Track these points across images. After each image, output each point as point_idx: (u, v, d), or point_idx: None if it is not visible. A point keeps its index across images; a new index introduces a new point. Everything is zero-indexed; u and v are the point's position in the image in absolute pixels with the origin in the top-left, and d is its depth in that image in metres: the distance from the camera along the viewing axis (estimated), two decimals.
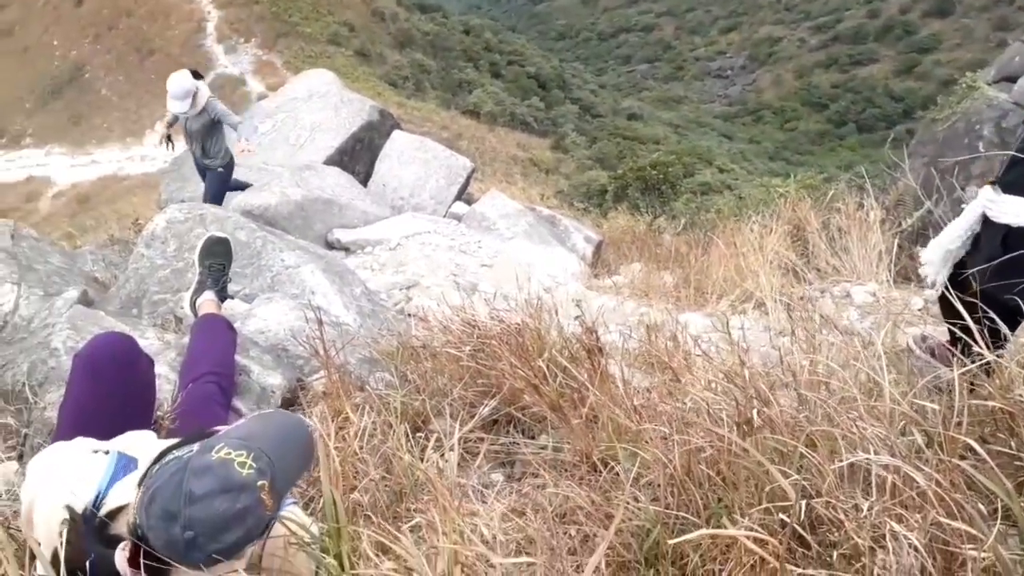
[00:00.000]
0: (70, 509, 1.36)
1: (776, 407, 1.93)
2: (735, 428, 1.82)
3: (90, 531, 1.34)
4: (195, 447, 1.34)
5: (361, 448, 2.10)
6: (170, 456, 1.34)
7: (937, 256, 2.79)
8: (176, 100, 6.50)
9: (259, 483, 1.29)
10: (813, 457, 1.76)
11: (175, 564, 1.28)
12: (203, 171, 7.00)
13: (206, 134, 6.73)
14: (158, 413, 2.44)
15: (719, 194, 15.49)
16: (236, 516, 1.27)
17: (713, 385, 2.24)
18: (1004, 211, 2.48)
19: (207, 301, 2.65)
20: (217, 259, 2.82)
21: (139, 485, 1.35)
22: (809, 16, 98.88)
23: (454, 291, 5.43)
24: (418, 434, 2.34)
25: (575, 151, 41.79)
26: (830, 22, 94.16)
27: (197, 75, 6.86)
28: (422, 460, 2.02)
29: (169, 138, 7.21)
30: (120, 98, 44.62)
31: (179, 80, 6.56)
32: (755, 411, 1.84)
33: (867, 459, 1.72)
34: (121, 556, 1.30)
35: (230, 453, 1.30)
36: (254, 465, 1.30)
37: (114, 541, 1.33)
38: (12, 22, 52.58)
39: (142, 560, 1.30)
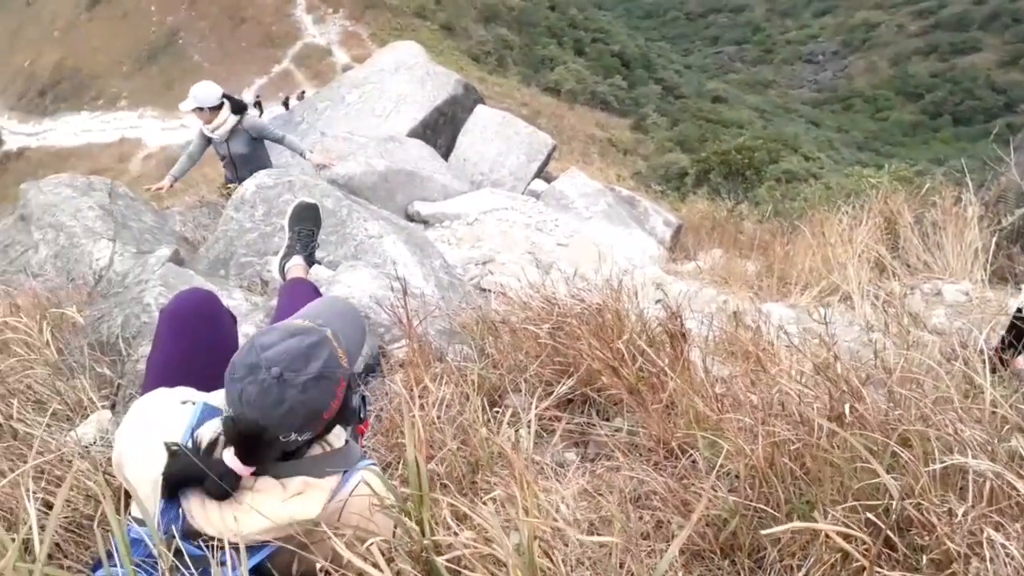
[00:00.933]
0: (168, 443, 1.43)
1: (868, 403, 1.86)
2: (824, 422, 1.76)
3: (191, 454, 1.41)
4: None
5: (439, 418, 2.12)
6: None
7: None
8: (195, 98, 5.65)
9: (322, 328, 1.47)
10: (906, 457, 1.69)
11: (275, 433, 1.38)
12: None
13: (250, 157, 5.81)
14: None
15: (804, 182, 15.01)
16: (311, 348, 1.41)
17: (800, 377, 2.18)
18: None
19: (295, 266, 2.71)
20: (306, 224, 2.87)
21: None
22: (910, 1, 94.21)
23: (531, 268, 5.43)
24: (494, 408, 2.35)
25: (655, 132, 41.12)
26: (932, 7, 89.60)
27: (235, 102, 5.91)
28: (498, 434, 2.03)
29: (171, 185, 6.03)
30: (211, 64, 46.02)
31: (203, 85, 5.82)
32: (847, 406, 1.77)
33: (964, 462, 1.64)
34: (229, 455, 1.39)
35: (287, 322, 1.48)
36: (312, 323, 1.49)
37: (214, 461, 1.41)
38: None
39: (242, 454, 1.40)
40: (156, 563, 1.32)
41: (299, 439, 1.42)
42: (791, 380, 2.05)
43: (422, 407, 2.14)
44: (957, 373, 2.02)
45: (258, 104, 34.55)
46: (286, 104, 31.02)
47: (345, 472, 1.48)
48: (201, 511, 1.40)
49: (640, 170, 24.78)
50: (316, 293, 2.49)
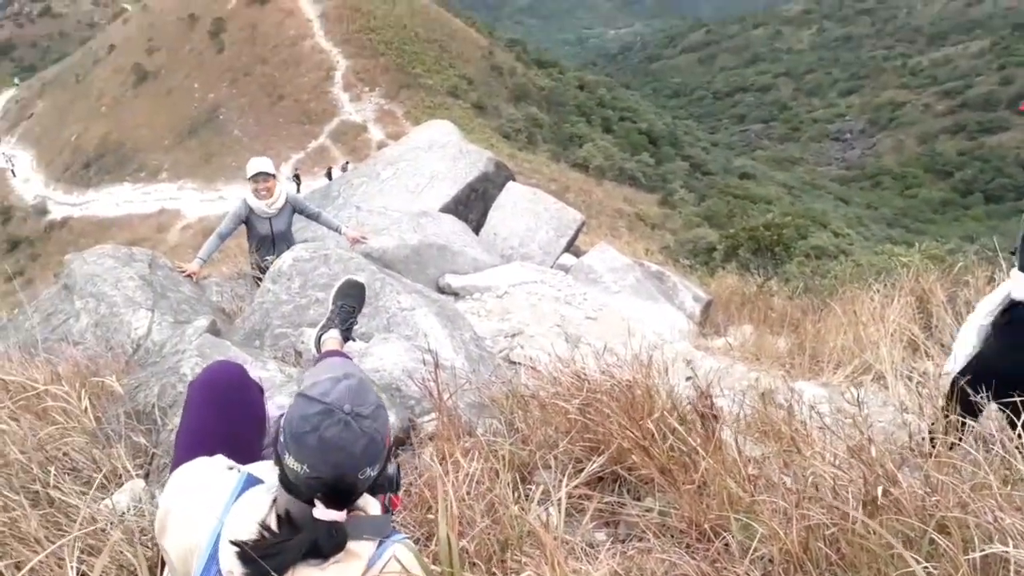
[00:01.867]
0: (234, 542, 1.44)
1: (904, 487, 1.83)
2: (860, 506, 1.73)
3: (280, 538, 1.44)
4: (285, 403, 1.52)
5: (468, 494, 2.12)
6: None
7: (970, 333, 2.92)
8: (266, 165, 5.62)
9: (350, 366, 1.64)
10: (944, 544, 1.66)
11: (361, 468, 1.44)
12: None
13: (288, 235, 5.81)
14: (269, 443, 2.55)
15: (834, 259, 14.95)
16: (361, 383, 1.51)
17: (834, 459, 2.15)
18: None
19: (332, 339, 2.76)
20: (349, 301, 2.94)
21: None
22: (936, 81, 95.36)
23: (559, 342, 5.44)
24: (524, 484, 2.34)
25: (683, 207, 41.41)
26: (959, 87, 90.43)
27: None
28: (528, 512, 2.02)
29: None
30: (250, 139, 47.65)
31: (262, 159, 5.74)
32: (880, 489, 1.75)
33: (1005, 551, 1.60)
34: (322, 510, 1.42)
35: (327, 375, 1.54)
36: (342, 371, 1.58)
37: (312, 523, 1.44)
38: (159, 66, 57.37)
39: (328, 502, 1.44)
40: None
41: (372, 475, 1.47)
42: (825, 463, 2.02)
43: (452, 482, 2.14)
44: (995, 458, 1.99)
45: (296, 178, 35.58)
46: (329, 175, 31.93)
47: (380, 543, 1.49)
48: None
49: (668, 244, 24.90)
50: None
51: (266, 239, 5.72)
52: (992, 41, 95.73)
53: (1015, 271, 2.76)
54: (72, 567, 1.47)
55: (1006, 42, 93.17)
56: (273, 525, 1.46)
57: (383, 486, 1.61)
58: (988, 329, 2.88)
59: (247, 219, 5.66)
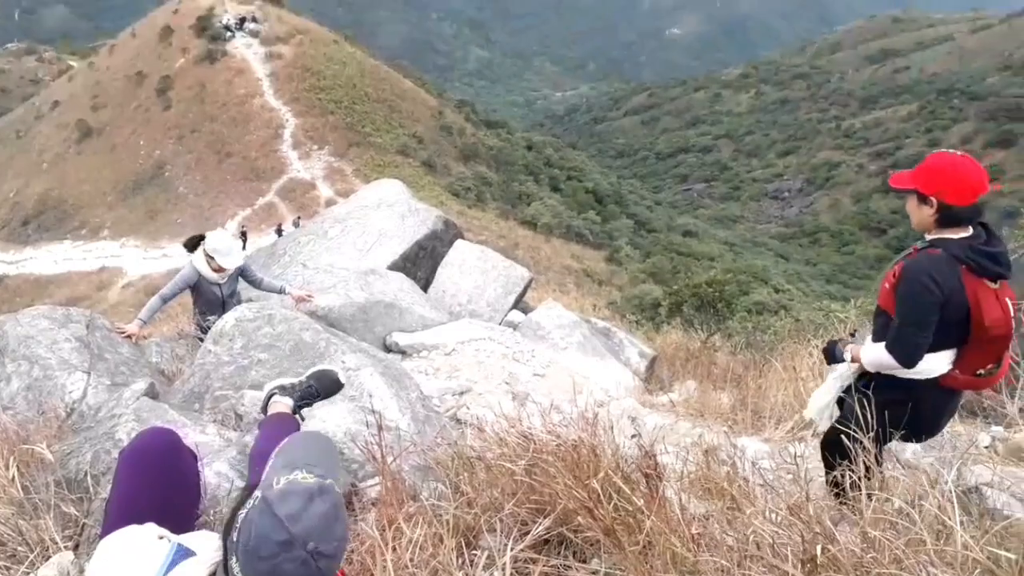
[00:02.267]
0: None
1: (842, 544, 1.86)
2: (799, 565, 1.76)
3: None
4: (256, 494, 1.45)
5: (412, 561, 2.08)
6: (239, 516, 1.45)
7: (821, 403, 3.36)
8: (234, 254, 5.70)
9: (327, 481, 1.45)
10: None
11: None
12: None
13: (236, 296, 5.94)
14: (206, 509, 2.47)
15: (775, 314, 15.32)
16: (333, 508, 1.41)
17: (775, 517, 2.18)
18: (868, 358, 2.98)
19: (282, 403, 2.71)
20: (320, 387, 2.86)
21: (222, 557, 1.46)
22: (868, 142, 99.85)
23: (507, 399, 5.43)
24: (469, 549, 2.31)
25: (629, 264, 42.11)
26: (889, 148, 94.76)
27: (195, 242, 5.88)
28: None
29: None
30: (196, 196, 47.07)
31: (227, 236, 5.85)
32: (819, 548, 1.78)
33: None
34: None
35: (287, 476, 1.44)
36: (311, 474, 1.45)
37: None
38: (104, 123, 56.57)
39: None
40: None
41: None
42: (765, 521, 2.05)
43: (394, 549, 2.10)
44: (928, 514, 2.04)
45: (244, 235, 35.22)
46: (279, 231, 31.75)
47: None
48: None
49: (615, 300, 25.20)
50: (298, 427, 2.48)
51: (214, 302, 5.78)
52: (919, 105, 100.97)
53: (869, 341, 3.03)
54: None
55: (932, 106, 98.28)
56: None
57: None
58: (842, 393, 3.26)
59: (195, 284, 5.70)
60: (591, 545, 2.39)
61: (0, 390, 4.32)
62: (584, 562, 2.33)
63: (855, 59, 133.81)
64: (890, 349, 2.82)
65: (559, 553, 2.40)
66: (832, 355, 3.25)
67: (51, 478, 2.76)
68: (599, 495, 2.26)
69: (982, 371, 2.82)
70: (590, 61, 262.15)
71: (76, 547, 2.53)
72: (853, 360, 3.09)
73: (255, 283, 5.98)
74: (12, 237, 50.67)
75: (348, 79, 55.40)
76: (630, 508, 2.28)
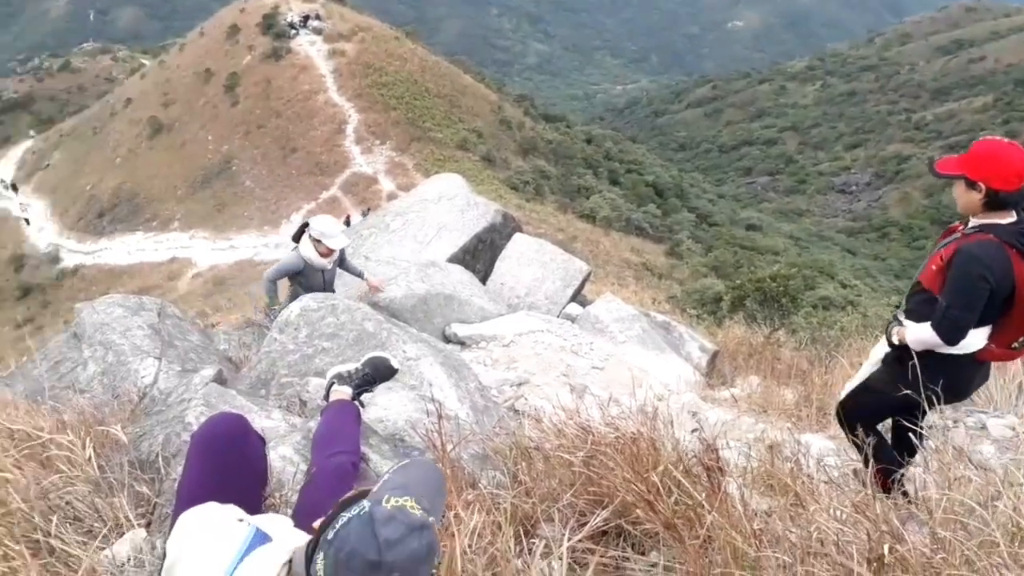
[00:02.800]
0: None
1: (910, 544, 1.81)
2: (865, 563, 1.71)
3: None
4: (364, 503, 1.46)
5: (470, 547, 2.10)
6: (342, 517, 1.45)
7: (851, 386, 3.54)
8: (341, 235, 5.79)
9: (430, 519, 1.46)
10: None
11: None
12: None
13: (334, 283, 6.09)
14: (272, 492, 2.54)
15: (842, 310, 14.90)
16: (427, 551, 1.42)
17: (839, 514, 2.13)
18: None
19: (342, 392, 2.77)
20: (376, 374, 2.94)
21: (304, 558, 1.47)
22: (941, 135, 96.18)
23: (565, 391, 5.42)
24: (527, 537, 2.32)
25: (690, 258, 41.46)
26: (963, 141, 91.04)
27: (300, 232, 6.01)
28: (530, 566, 2.00)
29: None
30: (262, 190, 48.26)
31: (330, 219, 5.97)
32: (887, 547, 1.73)
33: None
34: None
35: (399, 500, 1.45)
36: (419, 506, 1.46)
37: None
38: (174, 119, 58.45)
39: None
40: None
41: None
42: (829, 518, 2.00)
43: (452, 535, 2.12)
44: (1002, 514, 1.96)
45: (348, 221, 36.24)
46: (348, 222, 32.56)
47: None
48: None
49: (675, 294, 24.85)
50: (359, 419, 2.53)
51: (318, 288, 5.78)
52: (995, 96, 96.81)
53: (910, 322, 3.13)
54: None
55: (1009, 97, 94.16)
56: None
57: None
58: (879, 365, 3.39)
59: (300, 271, 5.81)
60: (649, 538, 2.38)
61: (78, 374, 4.51)
62: (643, 554, 2.32)
63: (926, 50, 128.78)
64: (936, 328, 2.91)
65: (617, 545, 2.39)
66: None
67: (125, 459, 2.87)
68: (659, 488, 2.24)
69: (1016, 344, 2.99)
70: (651, 54, 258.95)
71: (148, 525, 2.62)
72: (900, 342, 3.15)
73: (345, 265, 6.17)
74: (88, 229, 52.88)
75: (409, 75, 55.99)
76: (690, 502, 2.26)
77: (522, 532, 2.33)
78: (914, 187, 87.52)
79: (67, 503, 2.59)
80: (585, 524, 2.28)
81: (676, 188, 66.00)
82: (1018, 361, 4.87)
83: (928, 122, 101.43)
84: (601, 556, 2.24)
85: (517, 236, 8.42)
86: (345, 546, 1.39)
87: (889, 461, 3.08)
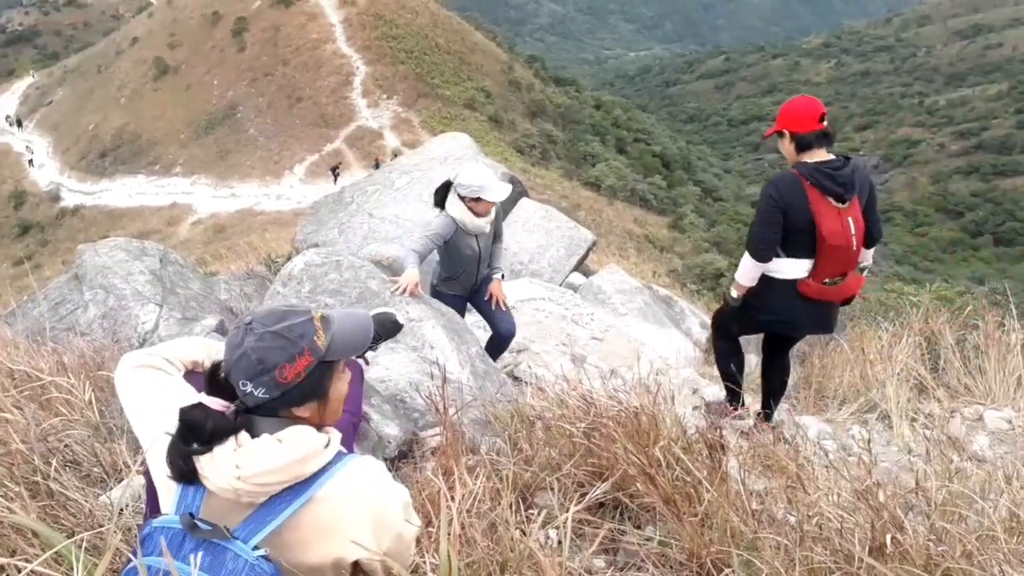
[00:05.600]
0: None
1: (910, 535, 1.81)
2: (865, 551, 1.71)
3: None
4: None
5: (469, 512, 2.10)
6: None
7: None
8: (498, 186, 4.41)
9: (311, 307, 1.59)
10: None
11: (232, 374, 1.52)
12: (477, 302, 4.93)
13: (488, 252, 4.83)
14: None
15: None
16: (287, 313, 1.55)
17: (838, 499, 2.13)
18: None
19: None
20: (383, 330, 2.92)
21: None
22: (952, 121, 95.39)
23: (564, 361, 5.42)
24: (524, 506, 2.33)
25: (692, 232, 41.37)
26: (974, 129, 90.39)
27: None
28: (529, 535, 2.00)
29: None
30: (266, 139, 47.91)
31: (480, 167, 4.60)
32: (889, 536, 1.73)
33: None
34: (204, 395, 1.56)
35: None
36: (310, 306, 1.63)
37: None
38: (180, 61, 57.78)
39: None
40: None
41: (253, 392, 1.50)
42: (830, 503, 2.00)
43: (452, 499, 2.12)
44: (1002, 507, 1.97)
45: (335, 171, 36.48)
46: (377, 165, 32.76)
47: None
48: (211, 464, 1.46)
49: (676, 268, 24.82)
50: (362, 379, 2.52)
51: (470, 259, 4.65)
52: (1010, 84, 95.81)
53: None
54: (78, 569, 1.46)
55: None
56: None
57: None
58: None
59: (448, 239, 4.53)
60: (646, 511, 2.38)
61: (78, 316, 4.49)
62: (639, 527, 2.33)
63: (944, 33, 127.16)
64: (746, 248, 3.50)
65: (614, 517, 2.40)
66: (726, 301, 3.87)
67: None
68: (660, 462, 2.25)
69: (828, 280, 3.43)
70: (666, 21, 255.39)
71: (146, 473, 2.62)
72: (736, 292, 3.68)
73: (499, 237, 4.90)
74: (90, 169, 52.59)
75: (420, 29, 55.26)
76: (689, 479, 2.26)
77: (520, 500, 2.33)
78: (922, 173, 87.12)
79: (66, 446, 2.59)
80: (584, 495, 2.29)
81: (683, 160, 65.60)
82: (1019, 355, 4.88)
83: (940, 107, 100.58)
84: (597, 528, 2.25)
85: (523, 201, 8.35)
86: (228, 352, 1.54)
87: (725, 374, 4.10)
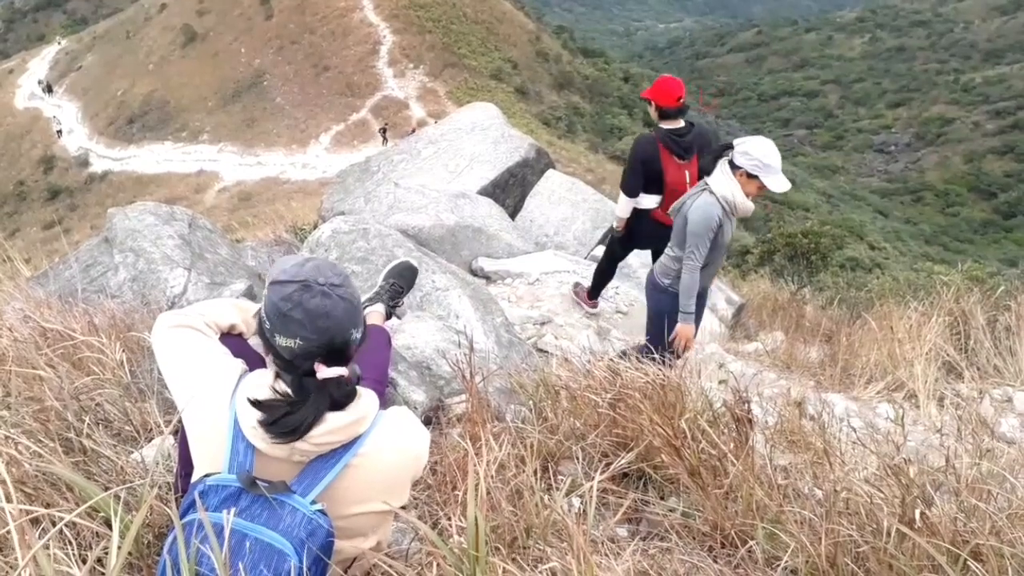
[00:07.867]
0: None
1: (940, 510, 1.80)
2: (897, 525, 1.70)
3: (296, 402, 1.55)
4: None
5: (494, 478, 2.11)
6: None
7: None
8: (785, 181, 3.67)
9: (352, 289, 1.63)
10: (980, 572, 1.63)
11: (350, 329, 1.57)
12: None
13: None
14: None
15: (868, 271, 14.70)
16: (325, 261, 1.62)
17: (866, 474, 2.12)
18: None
19: (375, 312, 2.77)
20: (401, 281, 2.97)
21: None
22: (988, 100, 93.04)
23: (588, 333, 5.42)
24: (549, 476, 2.34)
25: None
26: (1011, 108, 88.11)
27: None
28: (554, 502, 2.01)
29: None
30: (292, 107, 47.98)
31: (770, 143, 3.71)
32: (919, 511, 1.71)
33: None
34: (325, 369, 1.54)
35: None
36: (302, 257, 1.67)
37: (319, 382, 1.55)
38: (208, 28, 57.84)
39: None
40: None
41: (358, 336, 1.59)
42: (859, 479, 1.99)
43: (479, 463, 2.13)
44: None
45: (384, 131, 36.60)
46: (383, 132, 33.15)
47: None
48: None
49: None
50: (389, 343, 2.53)
51: (721, 248, 4.01)
52: None
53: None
54: (116, 524, 1.49)
55: None
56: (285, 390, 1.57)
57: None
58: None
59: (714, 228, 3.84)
60: (670, 483, 2.39)
61: (108, 279, 4.54)
62: (662, 498, 2.33)
63: (983, 8, 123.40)
64: (620, 187, 4.80)
65: (637, 488, 2.40)
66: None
67: (154, 365, 2.90)
68: (686, 434, 2.24)
69: (670, 211, 4.12)
70: None
71: (176, 433, 2.67)
72: (618, 224, 5.04)
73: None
74: (118, 135, 53.05)
75: None
76: (715, 452, 2.25)
77: (543, 469, 2.34)
78: (955, 152, 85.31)
79: (97, 405, 2.63)
80: (608, 465, 2.29)
81: (712, 135, 64.69)
82: None
83: (976, 85, 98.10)
84: (621, 498, 2.25)
85: (550, 173, 8.29)
86: (275, 308, 1.54)
87: (596, 281, 5.71)
